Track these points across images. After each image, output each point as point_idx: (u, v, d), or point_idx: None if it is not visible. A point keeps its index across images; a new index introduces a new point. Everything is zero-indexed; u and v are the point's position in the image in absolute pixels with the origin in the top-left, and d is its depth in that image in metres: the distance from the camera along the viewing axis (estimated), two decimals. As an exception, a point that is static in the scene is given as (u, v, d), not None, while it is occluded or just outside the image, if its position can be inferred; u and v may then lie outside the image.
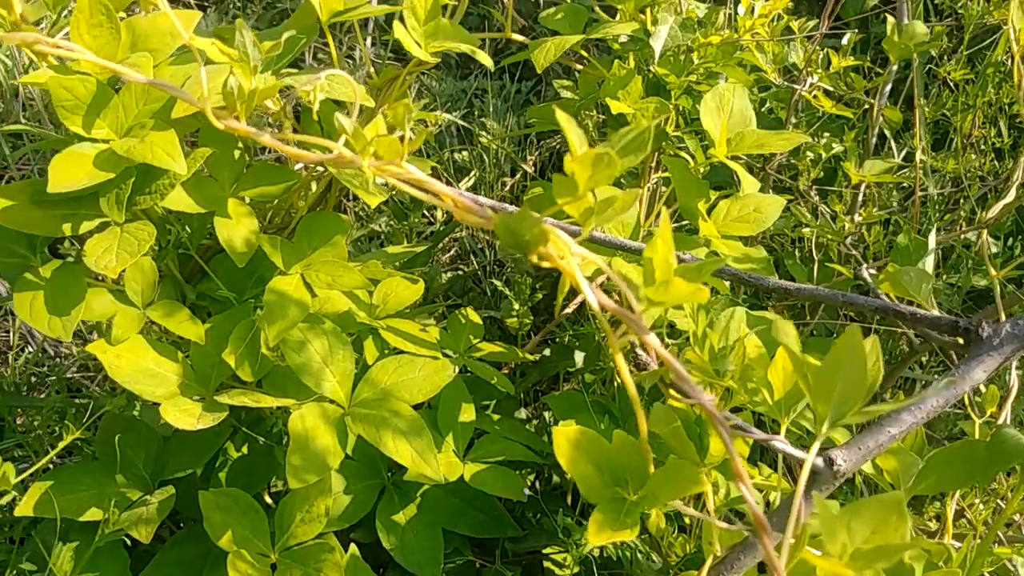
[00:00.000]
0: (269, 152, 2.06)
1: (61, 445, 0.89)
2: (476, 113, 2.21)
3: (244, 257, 0.90)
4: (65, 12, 0.94)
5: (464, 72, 2.39)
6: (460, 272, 1.87)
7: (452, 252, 1.93)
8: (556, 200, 0.56)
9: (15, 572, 0.89)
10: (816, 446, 0.59)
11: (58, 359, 1.67)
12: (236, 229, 0.91)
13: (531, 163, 2.05)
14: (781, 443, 0.71)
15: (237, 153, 0.97)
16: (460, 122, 2.10)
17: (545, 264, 0.56)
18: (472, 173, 2.03)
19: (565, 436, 0.62)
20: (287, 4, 2.45)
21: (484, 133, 2.06)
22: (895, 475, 0.82)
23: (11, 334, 1.68)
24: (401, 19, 0.92)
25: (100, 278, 0.92)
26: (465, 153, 2.08)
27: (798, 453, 0.71)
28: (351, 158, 0.56)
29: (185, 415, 0.85)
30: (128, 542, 1.00)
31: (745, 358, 0.67)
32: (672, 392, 0.68)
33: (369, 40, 2.27)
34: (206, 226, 1.00)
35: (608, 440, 0.64)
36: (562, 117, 0.53)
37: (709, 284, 0.92)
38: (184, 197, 0.89)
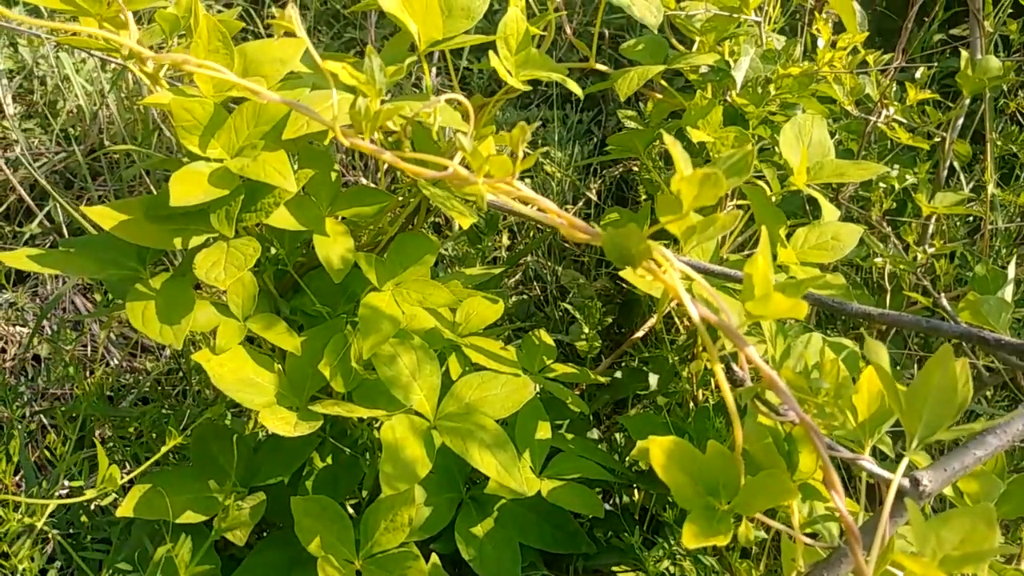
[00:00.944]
0: (343, 177, 2.12)
1: (166, 448, 0.94)
2: (539, 142, 2.26)
3: (341, 274, 0.94)
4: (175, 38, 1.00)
5: (526, 102, 2.44)
6: (525, 297, 1.91)
7: (517, 277, 1.96)
8: (659, 218, 0.59)
9: (111, 571, 0.93)
10: (905, 461, 0.61)
11: (135, 374, 1.75)
12: (333, 247, 0.95)
13: (594, 191, 2.08)
14: (867, 462, 0.73)
15: (334, 175, 1.02)
16: (529, 150, 2.15)
17: (649, 278, 0.59)
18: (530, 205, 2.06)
19: (660, 446, 0.65)
20: (353, 33, 2.54)
21: (548, 161, 2.10)
22: (976, 498, 0.83)
23: (89, 348, 1.75)
24: (495, 49, 0.96)
25: (200, 290, 0.97)
26: (529, 180, 2.12)
27: (884, 472, 0.72)
28: (466, 175, 0.60)
29: (283, 423, 0.89)
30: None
31: (840, 377, 0.69)
32: (763, 409, 0.70)
33: (434, 70, 2.34)
34: (301, 243, 1.05)
35: (701, 452, 0.66)
36: (669, 139, 0.57)
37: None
38: (287, 215, 0.94)
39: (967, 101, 1.39)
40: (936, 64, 2.09)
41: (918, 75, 1.31)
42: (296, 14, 0.64)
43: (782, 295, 0.54)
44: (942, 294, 1.03)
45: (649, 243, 0.57)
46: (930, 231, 1.44)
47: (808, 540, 0.76)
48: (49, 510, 0.91)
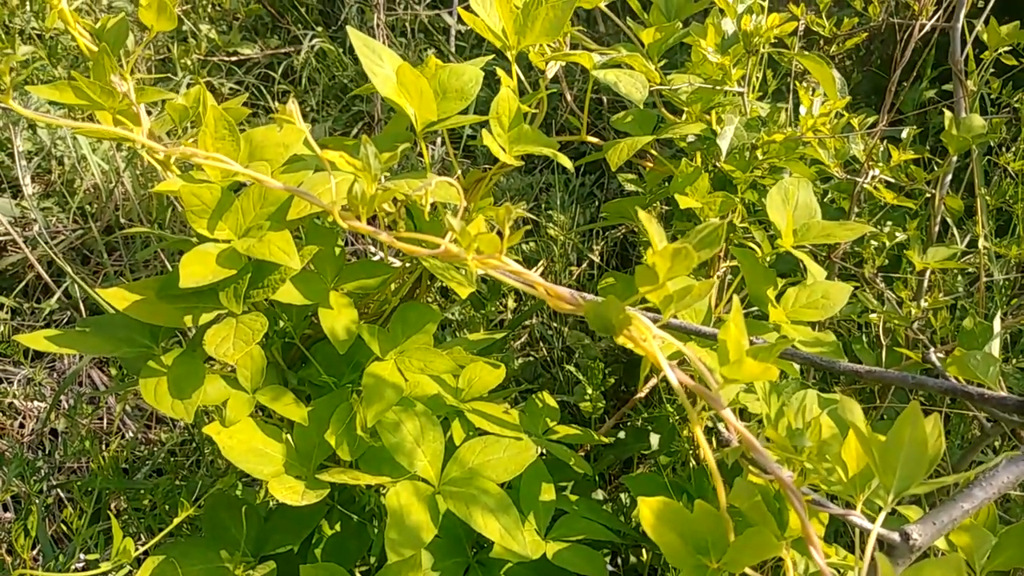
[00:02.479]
0: (348, 245, 2.18)
1: (179, 519, 0.96)
2: (543, 206, 2.31)
3: (345, 344, 0.98)
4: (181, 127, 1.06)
5: (529, 167, 2.51)
6: (531, 358, 1.94)
7: (523, 339, 2.00)
8: (638, 288, 0.62)
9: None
10: (882, 515, 0.63)
11: (149, 445, 1.78)
12: (338, 319, 0.99)
13: (597, 253, 2.12)
14: (856, 517, 0.75)
15: (338, 250, 1.06)
16: (528, 215, 2.20)
17: (629, 346, 0.62)
18: (540, 263, 2.11)
19: (650, 507, 0.67)
20: (361, 107, 2.63)
21: (551, 224, 2.15)
22: (969, 551, 0.84)
23: (105, 421, 1.79)
24: (488, 128, 1.01)
25: (213, 364, 1.01)
26: (533, 243, 2.17)
27: (871, 526, 0.74)
28: (457, 252, 0.64)
29: (291, 492, 0.92)
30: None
31: (821, 436, 0.72)
32: (752, 468, 0.73)
33: (439, 140, 2.41)
34: (307, 316, 1.09)
35: (690, 512, 0.68)
36: (644, 216, 0.60)
37: (780, 367, 0.97)
38: (292, 290, 0.98)
39: (954, 159, 1.43)
40: (928, 120, 2.14)
41: (904, 135, 1.35)
42: (296, 108, 0.69)
43: (754, 360, 0.57)
44: (931, 350, 1.05)
45: (628, 313, 0.60)
46: (925, 286, 1.47)
47: (803, 596, 0.77)
48: (65, 583, 0.93)
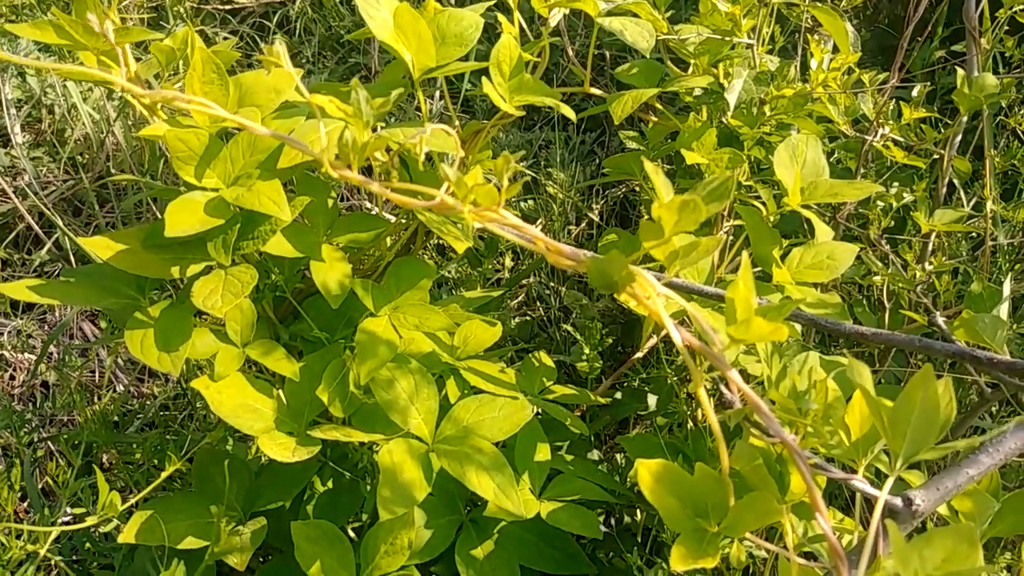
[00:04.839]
0: (343, 200, 2.14)
1: (166, 474, 0.95)
2: (542, 163, 2.27)
3: (338, 299, 0.95)
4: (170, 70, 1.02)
5: (529, 123, 2.46)
6: (528, 318, 1.92)
7: (520, 298, 1.97)
8: (643, 243, 0.60)
9: (115, 596, 0.94)
10: (890, 482, 0.61)
11: (142, 399, 1.76)
12: (330, 273, 0.96)
13: (597, 212, 2.09)
14: (860, 482, 0.73)
15: (331, 202, 1.03)
16: (527, 172, 2.16)
17: (631, 304, 0.60)
18: (539, 221, 2.08)
19: (648, 468, 0.65)
20: (358, 58, 2.57)
21: (550, 182, 2.11)
22: (971, 516, 0.82)
23: (96, 374, 1.77)
24: (488, 75, 0.97)
25: (200, 317, 0.99)
26: (532, 202, 2.14)
27: (874, 492, 0.72)
28: (453, 204, 0.61)
29: (281, 448, 0.90)
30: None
31: (827, 398, 0.70)
32: (753, 431, 0.71)
33: (438, 93, 2.36)
34: (299, 270, 1.06)
35: (689, 474, 0.66)
36: (650, 167, 0.57)
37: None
38: (283, 242, 0.95)
39: (965, 118, 1.40)
40: (936, 81, 2.10)
41: (915, 93, 1.31)
42: (284, 49, 0.65)
43: (763, 319, 0.54)
44: (938, 313, 1.03)
45: (632, 269, 0.57)
46: (930, 248, 1.45)
47: (802, 561, 0.75)
48: (52, 537, 0.91)
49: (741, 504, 0.64)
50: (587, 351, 1.36)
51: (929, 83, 1.52)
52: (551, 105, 1.00)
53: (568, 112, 1.00)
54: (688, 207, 0.52)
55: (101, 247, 0.90)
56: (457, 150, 0.68)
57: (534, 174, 2.19)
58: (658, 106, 1.21)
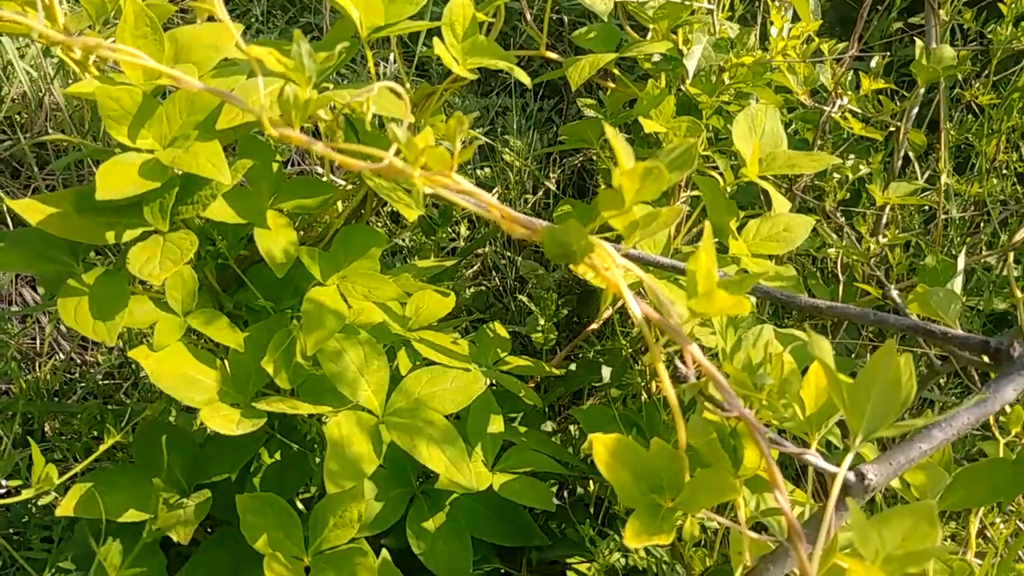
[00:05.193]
0: (293, 166, 2.09)
1: (103, 447, 0.91)
2: (498, 130, 2.23)
3: (283, 268, 0.92)
4: (107, 25, 0.97)
5: (486, 89, 2.42)
6: (483, 288, 1.89)
7: (475, 268, 1.94)
8: (602, 212, 0.57)
9: (54, 570, 0.91)
10: (849, 458, 0.60)
11: (85, 367, 1.70)
12: (275, 240, 0.93)
13: (554, 181, 2.07)
14: (813, 456, 0.72)
15: (276, 166, 0.99)
16: (483, 139, 2.13)
17: (589, 275, 0.57)
18: (495, 190, 2.05)
19: (603, 443, 0.63)
20: (309, 18, 2.50)
21: (507, 150, 2.08)
22: (923, 490, 0.83)
23: (37, 342, 1.71)
24: (440, 35, 0.94)
25: (142, 285, 0.94)
26: (488, 170, 2.10)
27: (829, 467, 0.72)
28: (402, 167, 0.58)
29: (225, 420, 0.87)
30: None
31: (783, 372, 0.69)
32: (708, 405, 0.69)
33: (392, 56, 2.30)
34: (243, 237, 1.02)
35: (644, 448, 0.65)
36: (610, 132, 0.55)
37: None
38: (225, 208, 0.91)
39: (922, 90, 1.40)
40: (894, 53, 2.10)
41: (873, 64, 1.31)
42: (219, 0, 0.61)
43: (725, 292, 0.52)
44: (892, 286, 1.03)
45: (591, 239, 0.55)
46: (884, 221, 1.45)
47: (754, 535, 0.75)
48: (-18, 511, 0.88)
49: (696, 480, 0.62)
50: (542, 322, 1.34)
51: (887, 54, 1.52)
52: (506, 69, 0.97)
53: (523, 77, 0.97)
54: (651, 175, 0.50)
55: (31, 210, 0.85)
56: (406, 113, 0.65)
57: (491, 141, 2.15)
58: (616, 72, 1.18)
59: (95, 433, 1.09)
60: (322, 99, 0.58)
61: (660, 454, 0.64)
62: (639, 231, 0.57)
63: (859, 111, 1.30)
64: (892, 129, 1.42)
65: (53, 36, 0.61)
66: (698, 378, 0.68)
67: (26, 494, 0.90)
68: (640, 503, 0.63)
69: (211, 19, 0.71)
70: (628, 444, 0.64)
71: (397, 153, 0.59)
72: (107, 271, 0.90)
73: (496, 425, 1.09)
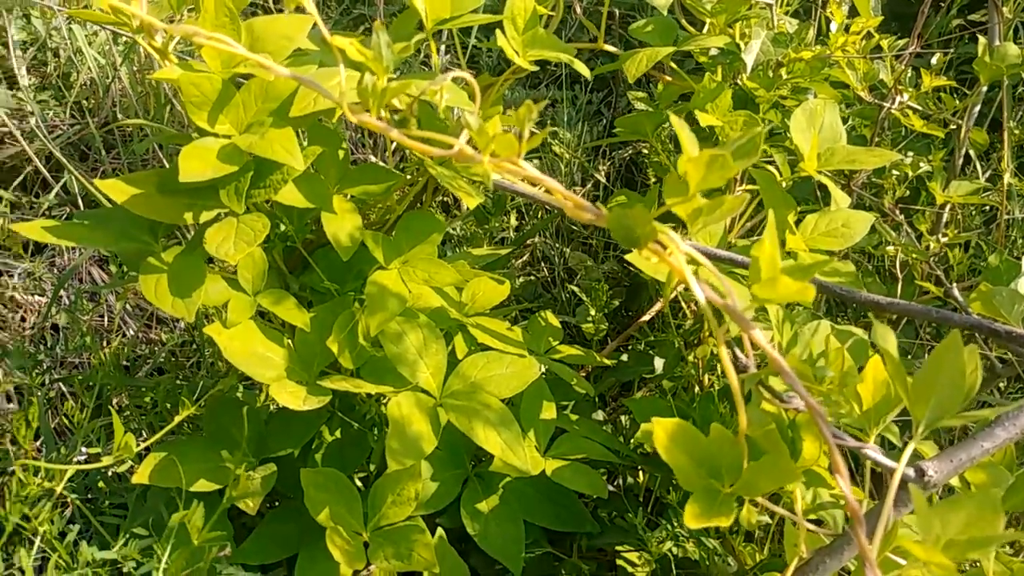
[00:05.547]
0: (352, 154, 2.13)
1: (179, 418, 0.95)
2: (548, 122, 2.25)
3: (349, 251, 0.95)
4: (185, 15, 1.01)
5: (535, 82, 2.43)
6: (532, 278, 1.91)
7: (525, 258, 1.97)
8: (665, 200, 0.59)
9: (128, 536, 0.95)
10: (909, 449, 0.61)
11: (149, 345, 1.76)
12: (341, 224, 0.96)
13: (603, 173, 2.08)
14: (873, 451, 0.73)
15: (342, 153, 1.02)
16: (536, 130, 2.14)
17: (653, 260, 0.59)
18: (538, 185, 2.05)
19: (663, 427, 0.65)
20: (363, 9, 2.53)
21: (556, 142, 2.09)
22: (983, 489, 0.83)
23: (105, 319, 1.77)
24: (502, 28, 0.96)
25: (214, 265, 0.98)
26: (537, 161, 2.12)
27: (888, 461, 0.72)
28: (472, 154, 0.60)
29: (292, 396, 0.90)
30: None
31: (844, 366, 0.69)
32: (767, 396, 0.71)
33: (443, 47, 2.33)
34: (309, 221, 1.05)
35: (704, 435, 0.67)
36: (675, 121, 0.57)
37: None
38: (295, 192, 0.94)
39: (984, 88, 1.38)
40: (953, 50, 2.07)
41: (934, 61, 1.30)
42: (307, -9, 0.64)
43: (789, 278, 0.54)
44: (954, 284, 1.03)
45: (655, 225, 0.57)
46: (944, 220, 1.44)
47: (811, 526, 0.76)
48: (68, 475, 0.92)
49: (756, 466, 0.64)
50: (593, 312, 1.35)
51: (947, 51, 1.50)
52: (564, 61, 0.99)
53: (582, 69, 0.99)
54: (716, 162, 0.51)
55: (116, 190, 0.89)
56: (471, 103, 0.67)
57: (540, 132, 2.16)
58: (672, 66, 1.19)
59: (168, 406, 1.13)
60: (398, 87, 0.60)
61: (719, 440, 0.65)
62: (702, 218, 0.59)
63: (919, 108, 1.29)
64: (953, 127, 1.41)
65: (154, 23, 0.65)
66: (759, 368, 0.69)
67: (106, 461, 0.94)
68: (698, 487, 0.65)
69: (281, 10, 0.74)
70: (688, 429, 0.65)
71: (468, 140, 0.62)
72: (184, 250, 0.94)
73: (549, 412, 1.11)
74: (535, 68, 0.98)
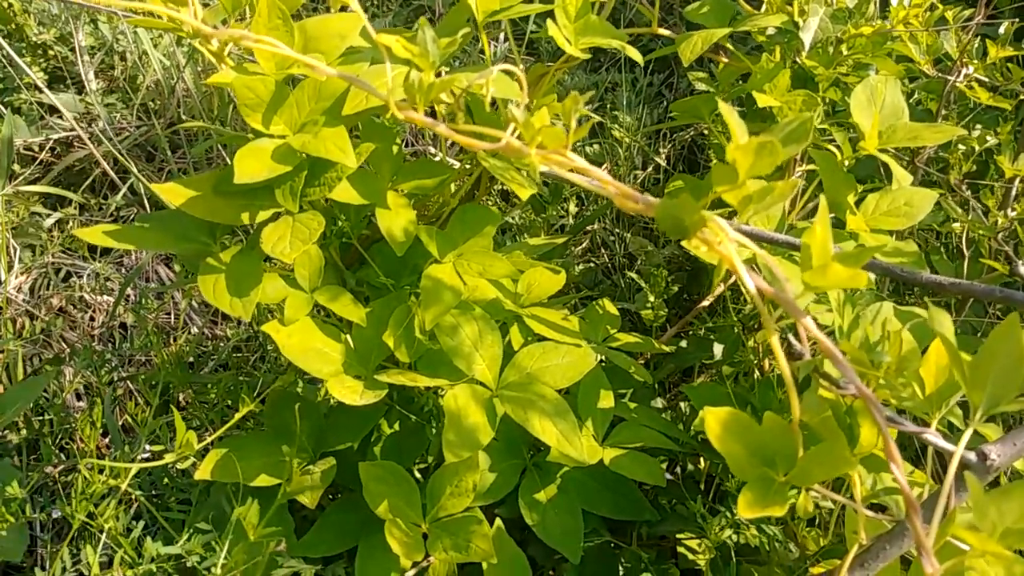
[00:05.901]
0: (407, 147, 2.14)
1: (239, 415, 0.97)
2: (608, 106, 2.23)
3: (403, 246, 0.96)
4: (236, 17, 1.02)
5: (595, 65, 2.41)
6: (592, 265, 1.90)
7: (584, 245, 1.96)
8: (715, 187, 0.58)
9: (192, 531, 0.98)
10: (967, 434, 0.59)
11: (215, 341, 1.81)
12: (396, 220, 0.97)
13: (663, 156, 2.05)
14: (933, 436, 0.71)
15: (395, 149, 1.03)
16: (595, 117, 2.13)
17: (702, 249, 0.58)
18: (604, 166, 2.05)
19: (716, 416, 0.64)
20: (422, 1, 2.55)
21: (616, 126, 2.07)
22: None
23: (172, 316, 1.82)
24: (553, 17, 0.95)
25: (270, 263, 1.00)
26: (597, 146, 2.11)
27: (949, 446, 0.71)
28: (519, 147, 0.60)
29: (349, 391, 0.92)
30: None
31: (901, 350, 0.68)
32: (823, 382, 0.69)
33: (502, 36, 2.32)
34: (365, 217, 1.07)
35: (757, 423, 0.66)
36: (724, 107, 0.56)
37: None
38: (349, 189, 0.95)
39: (1055, 57, 1.32)
40: (1019, 19, 1.99)
41: (1001, 31, 1.25)
42: (350, -9, 0.65)
43: (841, 265, 0.52)
44: (1019, 262, 0.99)
45: (704, 214, 0.56)
46: (1013, 194, 1.38)
47: (871, 513, 0.74)
48: (132, 473, 0.95)
49: (810, 454, 0.63)
50: (652, 299, 1.34)
51: (1016, 20, 1.44)
52: (618, 47, 0.98)
53: (635, 54, 0.98)
54: (764, 149, 0.50)
55: (173, 193, 0.92)
56: (521, 94, 0.67)
57: (600, 117, 2.15)
58: (729, 46, 1.17)
59: (229, 402, 1.16)
60: (444, 83, 0.61)
61: (773, 428, 0.64)
62: (753, 205, 0.57)
63: (986, 80, 1.24)
64: (1022, 98, 1.35)
65: (202, 29, 0.66)
66: (813, 355, 0.68)
67: (168, 458, 0.97)
68: (752, 475, 0.64)
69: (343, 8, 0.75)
70: (741, 418, 0.64)
71: (514, 132, 0.62)
72: (241, 250, 0.96)
73: (606, 400, 1.11)
74: (588, 56, 0.98)
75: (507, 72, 0.66)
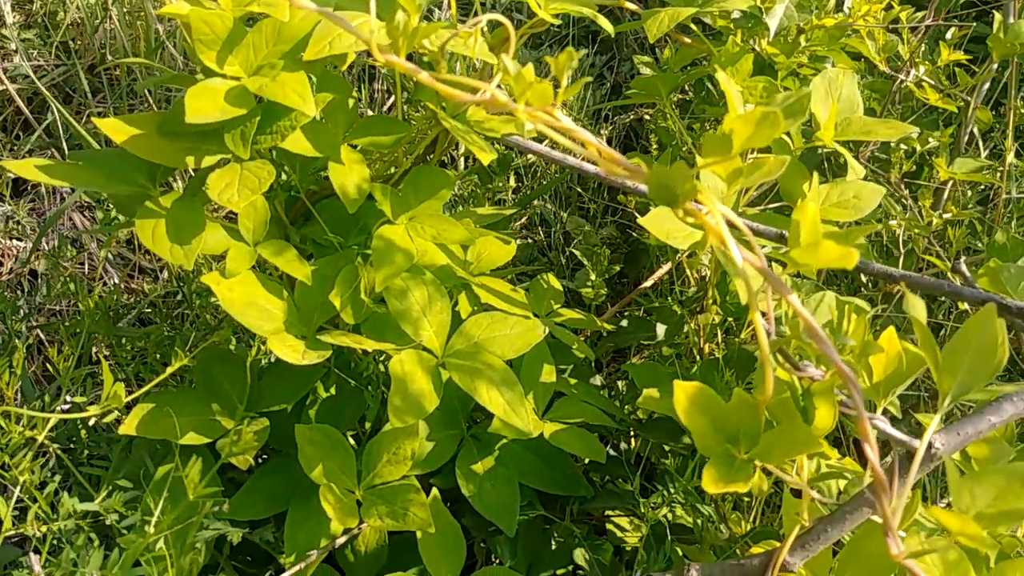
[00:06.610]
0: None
1: (171, 369, 0.92)
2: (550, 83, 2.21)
3: (355, 203, 0.92)
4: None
5: (537, 42, 2.40)
6: (530, 241, 1.89)
7: (523, 221, 1.94)
8: (704, 159, 0.57)
9: (111, 487, 0.93)
10: (937, 418, 0.60)
11: (132, 295, 1.73)
12: (349, 176, 0.93)
13: (604, 137, 2.05)
14: (882, 422, 0.72)
15: (351, 102, 0.99)
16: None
17: (689, 221, 0.57)
18: (545, 142, 2.03)
19: (684, 390, 0.64)
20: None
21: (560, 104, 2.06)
22: (985, 463, 0.82)
23: (86, 267, 1.73)
24: (525, -20, 0.93)
25: (213, 212, 0.95)
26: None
27: (897, 434, 0.72)
28: (506, 101, 0.58)
29: (291, 350, 0.88)
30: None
31: (865, 336, 0.68)
32: (783, 364, 0.69)
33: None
34: (314, 171, 1.02)
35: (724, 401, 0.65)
36: (722, 77, 0.55)
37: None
38: (302, 140, 0.91)
39: (995, 65, 1.37)
40: (960, 28, 2.05)
41: (949, 35, 1.28)
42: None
43: (832, 242, 0.52)
44: (961, 259, 1.02)
45: (695, 183, 0.55)
46: (944, 197, 1.43)
47: (818, 495, 0.75)
48: (50, 424, 0.89)
49: (776, 432, 0.63)
50: (593, 277, 1.34)
51: (957, 26, 1.48)
52: (584, 16, 0.96)
53: (605, 24, 0.96)
54: (767, 120, 0.49)
55: (115, 130, 0.86)
56: (493, 57, 0.65)
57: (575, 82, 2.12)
58: (693, 27, 1.17)
59: (157, 356, 1.11)
60: (430, 27, 0.58)
61: (740, 406, 0.64)
62: (742, 179, 0.57)
63: (933, 82, 1.27)
64: (960, 104, 1.39)
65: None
66: (780, 336, 0.68)
67: (93, 411, 0.92)
68: (715, 452, 0.64)
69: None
70: (708, 393, 0.64)
71: (498, 85, 0.59)
72: (183, 196, 0.91)
73: (549, 375, 1.10)
74: (557, 22, 0.95)
75: (496, 22, 0.63)
